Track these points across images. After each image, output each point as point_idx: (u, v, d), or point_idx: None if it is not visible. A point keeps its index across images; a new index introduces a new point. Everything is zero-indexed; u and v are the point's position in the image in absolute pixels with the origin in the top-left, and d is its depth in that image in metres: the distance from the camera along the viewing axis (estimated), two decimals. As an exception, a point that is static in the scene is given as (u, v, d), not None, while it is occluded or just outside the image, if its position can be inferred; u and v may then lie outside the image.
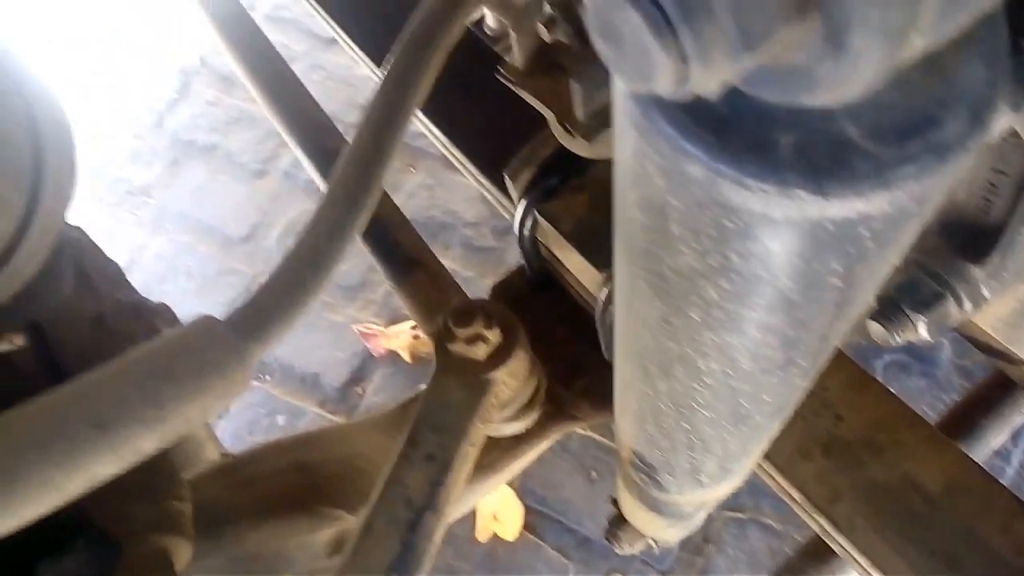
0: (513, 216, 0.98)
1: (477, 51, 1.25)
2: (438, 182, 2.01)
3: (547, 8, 0.70)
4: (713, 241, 0.26)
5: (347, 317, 1.89)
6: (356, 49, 1.31)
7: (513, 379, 0.78)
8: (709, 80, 0.18)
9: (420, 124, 1.25)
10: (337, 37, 1.35)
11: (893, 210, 0.23)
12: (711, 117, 0.23)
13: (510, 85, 0.79)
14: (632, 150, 0.26)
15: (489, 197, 1.15)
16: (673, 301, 0.31)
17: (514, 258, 1.91)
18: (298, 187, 2.08)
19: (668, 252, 0.28)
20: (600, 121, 0.74)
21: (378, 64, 1.26)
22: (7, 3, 2.28)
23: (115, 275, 0.88)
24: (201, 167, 2.14)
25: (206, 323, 0.43)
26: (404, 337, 1.83)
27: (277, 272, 0.45)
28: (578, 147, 0.79)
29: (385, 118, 0.49)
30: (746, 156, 0.22)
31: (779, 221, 0.23)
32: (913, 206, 0.23)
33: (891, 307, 0.45)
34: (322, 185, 1.08)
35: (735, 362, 0.34)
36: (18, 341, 0.66)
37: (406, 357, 1.82)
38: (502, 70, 0.78)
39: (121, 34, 2.39)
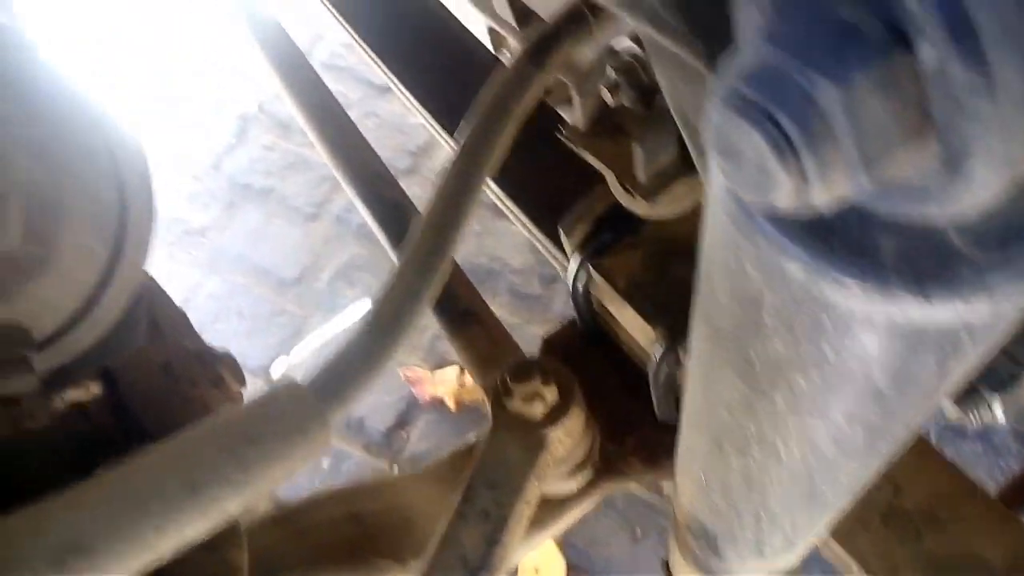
0: (565, 268, 0.98)
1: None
2: (486, 229, 2.03)
3: (611, 73, 0.72)
4: (808, 335, 0.26)
5: (393, 360, 1.90)
6: (409, 96, 1.34)
7: (569, 437, 0.78)
8: (827, 197, 0.19)
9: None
10: (391, 85, 1.39)
11: (994, 313, 0.23)
12: (814, 219, 0.23)
13: (571, 144, 0.80)
14: (727, 241, 0.27)
15: (539, 246, 1.16)
16: (758, 385, 0.32)
17: (561, 306, 1.91)
18: (350, 231, 2.12)
19: (758, 339, 0.29)
20: (661, 183, 0.75)
21: (429, 111, 1.29)
22: (74, 48, 2.38)
23: (182, 322, 0.90)
24: (256, 210, 2.20)
25: (290, 388, 0.44)
26: (449, 384, 1.83)
27: (355, 337, 0.47)
28: (638, 207, 0.80)
29: (460, 187, 0.50)
30: (849, 259, 0.23)
31: (879, 322, 0.24)
32: (1014, 309, 0.24)
33: (968, 389, 0.45)
34: (377, 231, 1.10)
35: (816, 446, 0.34)
36: (95, 389, 0.69)
37: (451, 404, 1.82)
38: (563, 130, 0.80)
39: (183, 79, 2.48)
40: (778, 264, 0.24)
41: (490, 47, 1.45)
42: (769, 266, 0.25)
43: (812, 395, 0.30)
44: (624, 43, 0.70)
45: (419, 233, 0.49)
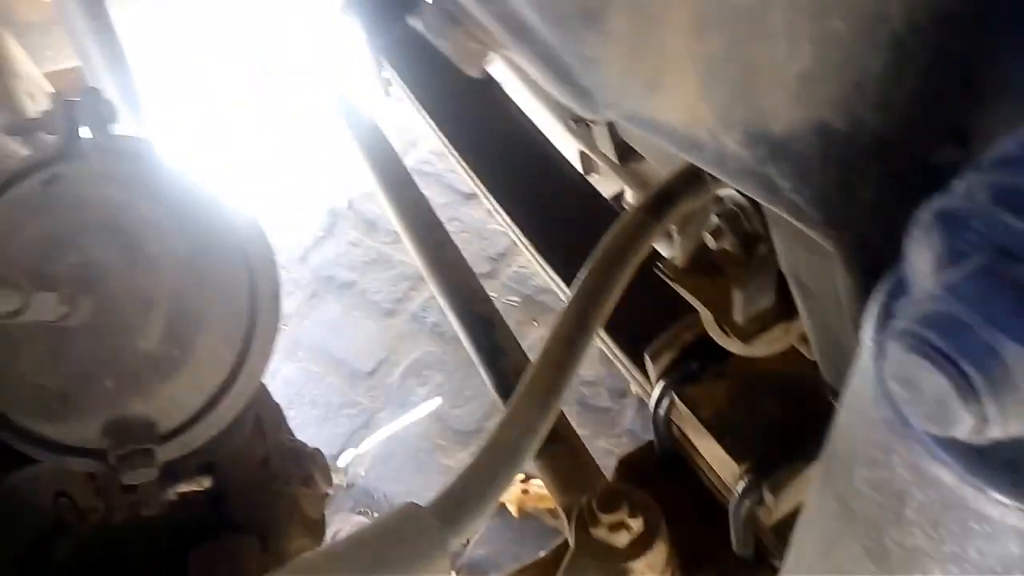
0: (645, 390, 1.00)
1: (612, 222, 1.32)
2: (558, 337, 2.05)
3: (714, 218, 0.75)
4: (953, 535, 0.27)
5: (459, 462, 1.91)
6: (496, 204, 1.40)
7: (651, 571, 0.78)
8: (1003, 435, 0.21)
9: (551, 282, 1.31)
10: (478, 192, 1.46)
11: None
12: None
13: (667, 280, 0.83)
14: (877, 438, 0.29)
15: (618, 364, 1.18)
16: (888, 569, 0.33)
17: (629, 421, 1.91)
18: (425, 329, 2.18)
19: (896, 530, 0.30)
20: (759, 326, 0.77)
21: (514, 219, 1.35)
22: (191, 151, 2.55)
23: (279, 418, 0.94)
24: (337, 302, 2.28)
25: (412, 512, 0.47)
26: (513, 490, 1.83)
27: (474, 465, 0.49)
28: (733, 347, 0.81)
29: (576, 328, 0.54)
30: (1005, 475, 0.24)
31: (1028, 533, 0.25)
32: None
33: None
34: (467, 344, 1.14)
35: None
36: (205, 483, 0.72)
37: (512, 510, 1.81)
38: (661, 265, 0.83)
39: (280, 173, 2.62)
40: (931, 471, 0.26)
41: (579, 167, 1.52)
42: (921, 470, 0.27)
43: (946, 585, 0.31)
44: (728, 190, 0.74)
45: (538, 369, 0.52)
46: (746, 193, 0.36)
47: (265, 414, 0.90)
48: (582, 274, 0.57)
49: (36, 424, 0.66)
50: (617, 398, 1.93)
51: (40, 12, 1.72)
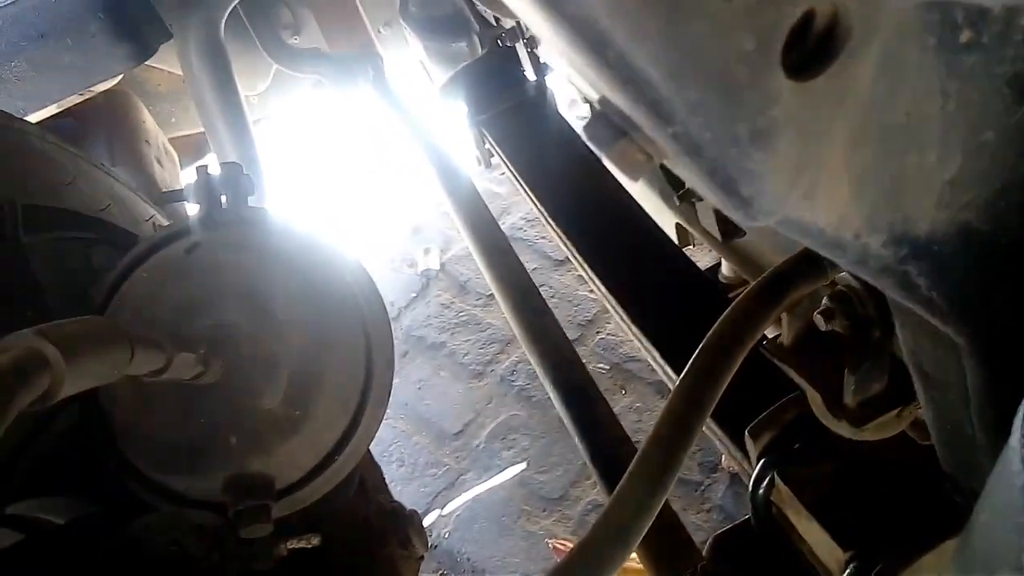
0: (748, 470, 0.98)
1: (709, 294, 1.31)
2: (646, 406, 2.04)
3: (826, 300, 0.74)
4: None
5: (543, 528, 1.90)
6: (587, 269, 1.41)
7: (752, 657, 0.76)
8: None
9: (642, 350, 1.31)
10: (570, 257, 1.48)
11: None
12: None
13: (774, 360, 0.82)
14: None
15: (715, 440, 1.16)
16: None
17: (718, 496, 1.86)
18: (512, 392, 2.19)
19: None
20: (871, 412, 0.76)
21: (608, 287, 1.35)
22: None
23: (380, 480, 0.96)
24: (427, 362, 2.32)
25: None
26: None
27: (585, 543, 0.50)
28: (842, 430, 0.80)
29: (688, 406, 0.54)
30: None
31: None
32: None
33: None
34: (555, 399, 1.14)
35: None
36: (315, 541, 0.75)
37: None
38: (768, 345, 0.83)
39: (376, 235, 2.72)
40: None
41: (675, 239, 1.53)
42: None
43: None
44: (840, 272, 0.73)
45: (650, 448, 0.53)
46: (881, 289, 0.36)
47: (368, 475, 0.92)
48: (695, 355, 0.58)
49: (164, 477, 0.70)
50: (708, 472, 1.89)
51: (170, 82, 1.86)
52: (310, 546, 0.74)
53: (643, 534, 0.51)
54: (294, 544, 0.73)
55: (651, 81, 0.23)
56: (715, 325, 0.58)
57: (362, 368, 0.73)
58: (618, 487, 0.52)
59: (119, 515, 0.85)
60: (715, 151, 0.24)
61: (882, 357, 0.72)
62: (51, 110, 1.50)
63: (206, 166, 0.76)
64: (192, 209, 0.75)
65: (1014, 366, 0.41)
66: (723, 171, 0.24)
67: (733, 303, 0.60)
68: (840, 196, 0.28)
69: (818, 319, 0.75)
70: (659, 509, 0.51)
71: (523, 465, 2.04)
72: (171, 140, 1.89)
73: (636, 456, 0.53)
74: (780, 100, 0.24)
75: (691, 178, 0.26)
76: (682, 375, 0.58)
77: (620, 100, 0.25)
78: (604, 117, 0.26)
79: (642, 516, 0.51)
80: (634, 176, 0.27)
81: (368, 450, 0.98)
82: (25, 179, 0.86)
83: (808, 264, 0.61)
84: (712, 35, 0.22)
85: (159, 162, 1.71)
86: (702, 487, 1.86)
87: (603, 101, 0.29)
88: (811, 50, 0.24)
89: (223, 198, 0.74)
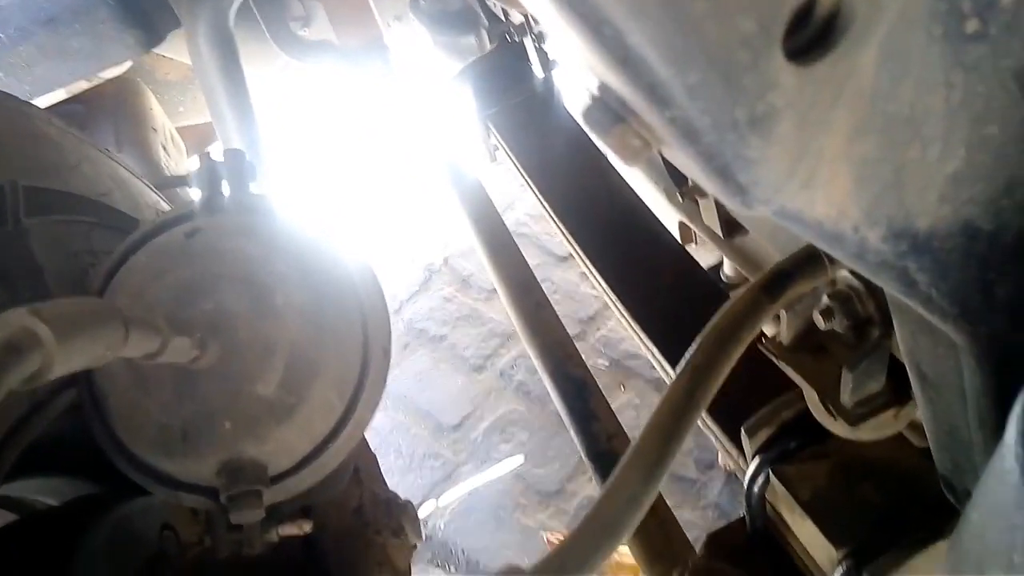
0: (743, 468, 0.97)
1: (711, 293, 1.31)
2: (645, 403, 2.04)
3: (826, 299, 0.74)
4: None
5: (538, 523, 1.90)
6: (591, 267, 1.41)
7: (743, 654, 0.76)
8: None
9: (642, 347, 1.30)
10: (574, 254, 1.48)
11: None
12: None
13: (772, 357, 0.82)
14: (1016, 542, 0.28)
15: (711, 437, 1.16)
16: None
17: (715, 494, 1.86)
18: (511, 386, 2.19)
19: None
20: (868, 411, 0.75)
21: (609, 284, 1.35)
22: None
23: (374, 469, 0.96)
24: (427, 355, 2.32)
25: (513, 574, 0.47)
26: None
27: (576, 533, 0.49)
28: (838, 429, 0.79)
29: (684, 400, 0.54)
30: None
31: None
32: None
33: None
34: (552, 392, 1.14)
35: None
36: (306, 528, 0.74)
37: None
38: (766, 343, 0.82)
39: (380, 229, 2.72)
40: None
41: (678, 236, 1.52)
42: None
43: None
44: (842, 272, 0.73)
45: (644, 440, 0.52)
46: (880, 285, 0.36)
47: (363, 463, 0.92)
48: (693, 348, 0.57)
49: (156, 460, 0.70)
50: (704, 469, 1.89)
51: (179, 71, 1.86)
52: (301, 532, 0.74)
53: (634, 526, 0.51)
54: (285, 530, 0.73)
55: (649, 62, 0.23)
56: (713, 319, 0.58)
57: (359, 356, 0.73)
58: (610, 478, 0.52)
59: (116, 498, 0.85)
60: (713, 136, 0.24)
61: (880, 357, 0.72)
62: (59, 95, 1.50)
63: (210, 152, 0.75)
64: (195, 195, 0.75)
65: (1014, 367, 0.41)
66: (720, 157, 0.24)
67: (732, 298, 0.59)
68: (839, 187, 0.27)
69: (818, 318, 0.75)
70: (651, 501, 0.51)
71: (520, 459, 2.04)
72: (179, 129, 1.89)
73: (629, 448, 0.53)
74: (780, 85, 0.24)
75: (688, 164, 0.26)
76: (679, 369, 0.58)
77: (617, 82, 0.25)
78: (602, 103, 0.26)
79: (633, 508, 0.51)
80: (631, 163, 0.26)
81: (363, 439, 0.98)
82: (28, 161, 0.86)
83: (808, 262, 0.61)
84: (712, 15, 0.22)
85: (165, 150, 1.72)
86: (698, 484, 1.86)
87: (602, 87, 0.29)
88: (813, 35, 0.24)
89: (225, 185, 0.74)
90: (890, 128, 0.27)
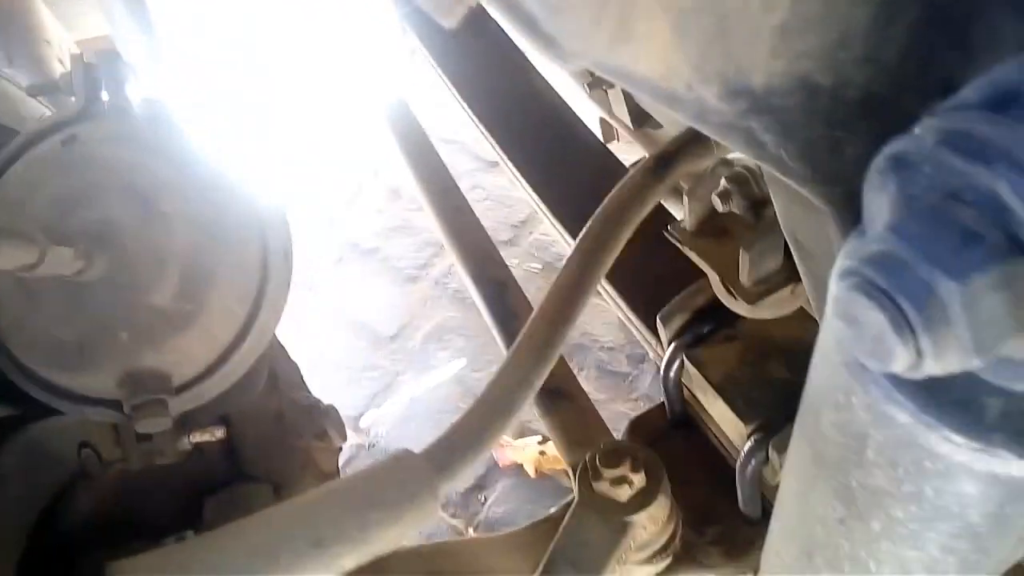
0: (657, 352, 1.00)
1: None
2: (579, 304, 2.06)
3: (723, 182, 0.75)
4: (910, 474, 0.28)
5: (478, 426, 1.94)
6: (517, 172, 1.40)
7: (652, 524, 0.79)
8: (939, 370, 0.21)
9: (570, 249, 1.31)
10: (500, 160, 1.46)
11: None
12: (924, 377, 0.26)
13: (677, 244, 0.83)
14: (838, 382, 0.30)
15: (633, 330, 1.19)
16: (856, 510, 0.34)
17: (647, 386, 1.92)
18: (447, 294, 2.20)
19: (860, 470, 0.31)
20: (765, 289, 0.77)
21: (534, 187, 1.35)
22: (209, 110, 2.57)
23: (296, 376, 0.97)
24: (361, 267, 2.31)
25: (406, 458, 0.48)
26: (530, 451, 1.85)
27: (468, 414, 0.51)
28: (739, 308, 0.82)
29: (576, 283, 0.54)
30: (955, 414, 0.25)
31: (980, 471, 0.26)
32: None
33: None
34: (482, 307, 1.15)
35: (908, 573, 0.35)
36: (219, 434, 0.75)
37: (530, 471, 1.84)
38: (671, 229, 0.83)
39: (310, 144, 2.65)
40: (887, 410, 0.27)
41: (599, 136, 1.51)
42: (878, 410, 0.27)
43: (908, 525, 0.31)
44: (737, 153, 0.74)
45: (536, 323, 0.53)
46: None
47: (281, 371, 0.92)
48: (582, 233, 0.58)
49: (54, 374, 0.69)
50: (636, 364, 1.94)
51: (69, -22, 1.74)
52: (214, 439, 0.74)
53: (525, 405, 0.52)
54: (197, 437, 0.73)
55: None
56: (602, 204, 0.58)
57: (258, 262, 0.72)
58: (504, 360, 0.53)
59: (29, 418, 0.84)
60: (513, -18, 0.23)
61: (775, 235, 0.73)
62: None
63: (81, 55, 0.71)
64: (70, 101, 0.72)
65: (872, 227, 0.42)
66: (523, 7, 0.23)
67: (620, 182, 0.60)
68: (660, 40, 0.27)
69: (716, 200, 0.76)
70: (542, 380, 0.52)
71: (462, 362, 2.06)
72: (84, 43, 1.78)
73: (522, 331, 0.54)
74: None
75: (498, 16, 0.25)
76: (569, 254, 0.58)
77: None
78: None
79: (524, 388, 0.52)
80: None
81: (281, 347, 0.98)
82: None
83: (693, 142, 0.61)
84: None
85: (61, 62, 1.62)
86: (630, 378, 1.92)
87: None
88: None
89: (103, 90, 0.71)
90: (701, -30, 0.26)
